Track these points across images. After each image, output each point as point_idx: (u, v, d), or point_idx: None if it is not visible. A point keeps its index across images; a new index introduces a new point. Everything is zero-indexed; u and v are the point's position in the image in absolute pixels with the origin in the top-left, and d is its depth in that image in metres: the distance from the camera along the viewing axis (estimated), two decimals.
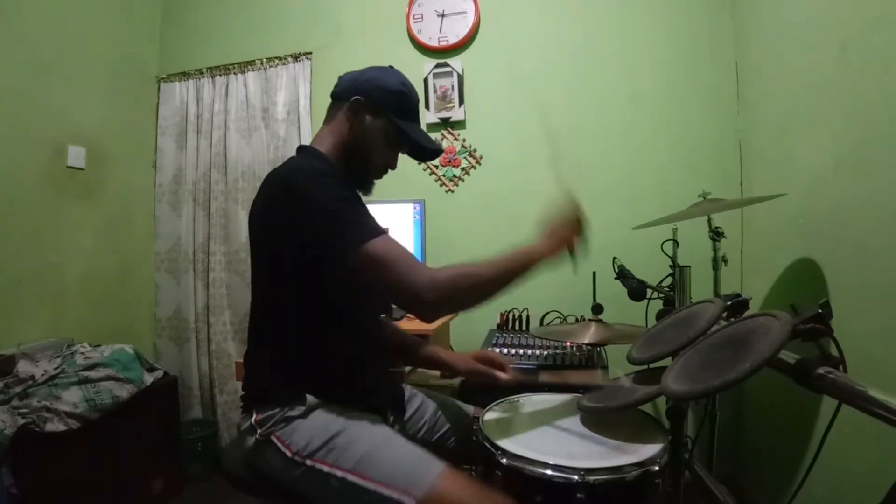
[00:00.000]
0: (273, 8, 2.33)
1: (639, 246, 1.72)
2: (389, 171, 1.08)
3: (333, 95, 1.06)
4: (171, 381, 1.99)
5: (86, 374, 1.62)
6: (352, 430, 0.89)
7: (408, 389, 1.17)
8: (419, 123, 1.07)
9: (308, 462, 0.87)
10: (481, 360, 1.15)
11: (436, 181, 2.15)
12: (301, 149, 1.06)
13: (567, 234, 0.95)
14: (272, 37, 2.31)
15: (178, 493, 1.99)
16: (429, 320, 0.89)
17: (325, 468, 0.86)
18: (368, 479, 0.83)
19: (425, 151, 1.06)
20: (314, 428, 0.91)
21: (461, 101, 2.09)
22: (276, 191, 0.93)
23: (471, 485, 0.83)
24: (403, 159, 1.09)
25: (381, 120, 1.01)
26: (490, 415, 1.04)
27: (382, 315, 1.21)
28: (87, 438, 1.56)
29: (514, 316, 1.86)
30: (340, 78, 1.05)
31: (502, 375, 1.11)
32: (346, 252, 0.85)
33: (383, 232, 0.88)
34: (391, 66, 1.06)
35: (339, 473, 0.85)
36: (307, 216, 0.88)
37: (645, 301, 1.41)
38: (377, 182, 1.08)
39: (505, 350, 1.55)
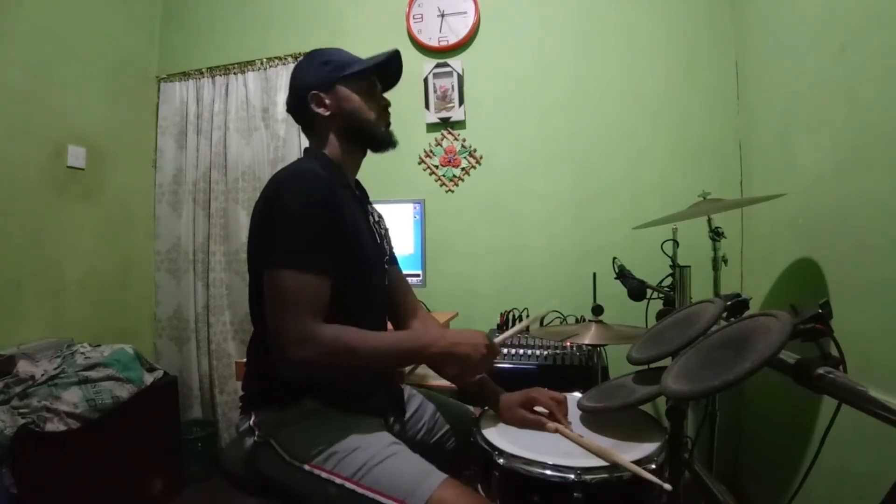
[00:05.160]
0: (273, 8, 2.33)
1: (639, 246, 1.72)
2: (391, 111, 1.09)
3: (296, 114, 1.07)
4: (171, 381, 1.99)
5: (86, 374, 1.62)
6: (352, 437, 0.89)
7: (407, 390, 1.17)
8: (356, 59, 1.05)
9: (306, 467, 0.87)
10: (527, 406, 1.01)
11: (436, 181, 2.15)
12: (306, 151, 1.08)
13: (466, 351, 0.90)
14: (272, 37, 2.31)
15: (178, 493, 1.99)
16: (284, 374, 0.84)
17: (324, 474, 0.85)
18: (367, 489, 0.82)
19: (389, 64, 1.06)
20: (313, 432, 0.90)
21: (461, 101, 2.09)
22: (268, 192, 0.93)
23: (471, 495, 0.82)
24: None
25: (341, 87, 1.01)
26: (489, 415, 1.04)
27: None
28: (87, 438, 1.55)
29: (514, 316, 1.86)
30: (288, 104, 1.08)
31: (550, 426, 0.96)
32: (264, 265, 0.86)
33: (309, 267, 0.85)
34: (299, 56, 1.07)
35: (338, 480, 0.84)
36: (271, 218, 0.89)
37: (645, 301, 1.41)
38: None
39: (505, 350, 1.55)
